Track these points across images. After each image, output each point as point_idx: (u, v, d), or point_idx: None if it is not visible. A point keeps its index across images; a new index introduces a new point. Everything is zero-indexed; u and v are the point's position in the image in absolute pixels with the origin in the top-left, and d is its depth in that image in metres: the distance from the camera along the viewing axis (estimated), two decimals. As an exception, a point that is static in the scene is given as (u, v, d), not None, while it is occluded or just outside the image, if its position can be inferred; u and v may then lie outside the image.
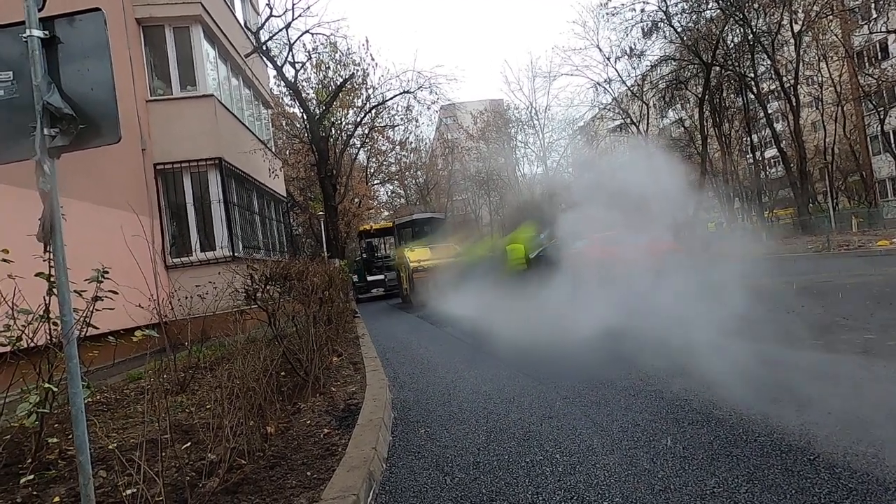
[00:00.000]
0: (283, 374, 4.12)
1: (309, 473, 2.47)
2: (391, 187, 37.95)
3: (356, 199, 28.51)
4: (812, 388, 3.12)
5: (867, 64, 29.08)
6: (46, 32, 2.22)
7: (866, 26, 27.49)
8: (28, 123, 2.22)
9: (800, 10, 22.99)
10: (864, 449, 2.25)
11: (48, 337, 2.87)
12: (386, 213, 37.41)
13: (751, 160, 33.12)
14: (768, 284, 8.91)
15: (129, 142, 8.50)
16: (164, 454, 2.49)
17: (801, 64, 24.30)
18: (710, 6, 22.28)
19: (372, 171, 31.88)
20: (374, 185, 33.68)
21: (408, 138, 27.11)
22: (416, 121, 18.55)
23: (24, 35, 2.18)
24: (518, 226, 12.05)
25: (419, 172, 36.28)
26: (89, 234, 6.25)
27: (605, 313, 6.61)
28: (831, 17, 23.86)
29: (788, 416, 2.72)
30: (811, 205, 25.97)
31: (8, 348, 2.75)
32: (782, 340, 4.49)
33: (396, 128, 20.65)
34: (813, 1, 22.45)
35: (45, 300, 2.78)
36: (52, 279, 2.68)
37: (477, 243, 14.72)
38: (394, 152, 29.33)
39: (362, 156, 27.75)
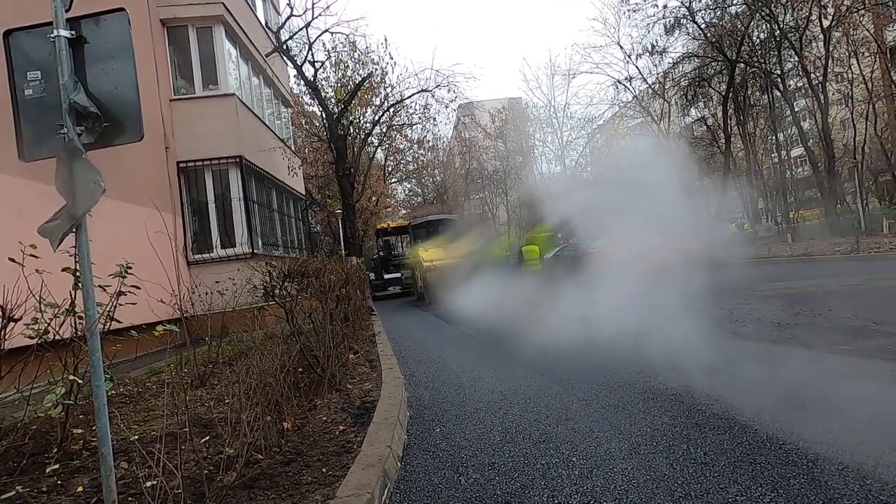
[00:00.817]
0: (299, 370, 4.16)
1: (324, 470, 2.49)
2: (408, 185, 38.03)
3: (373, 198, 28.64)
4: (840, 395, 3.02)
5: (901, 60, 27.99)
6: (73, 32, 2.27)
7: (900, 21, 26.50)
8: (55, 122, 2.27)
9: (829, 5, 22.28)
10: (897, 460, 2.17)
11: (74, 330, 2.94)
12: (403, 212, 37.51)
13: (776, 159, 32.28)
14: (794, 286, 8.67)
15: (153, 140, 8.68)
16: (183, 447, 2.52)
17: (830, 60, 23.55)
18: (735, 2, 21.75)
19: (389, 169, 31.98)
20: (391, 183, 33.80)
21: (425, 136, 27.10)
22: (434, 119, 18.49)
23: (51, 35, 2.23)
24: (533, 227, 12.19)
25: (436, 171, 36.28)
26: (113, 230, 6.40)
27: (623, 314, 6.51)
28: (863, 11, 23.06)
29: (815, 423, 2.63)
30: (839, 205, 25.18)
31: (35, 341, 2.82)
32: (809, 344, 4.36)
33: (414, 126, 20.64)
34: (844, -5, 21.75)
35: (71, 294, 2.85)
36: (77, 274, 2.74)
37: (492, 242, 14.74)
38: (411, 150, 29.35)
39: (380, 154, 27.85)
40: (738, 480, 2.14)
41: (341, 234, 19.67)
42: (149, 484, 2.14)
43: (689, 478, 2.21)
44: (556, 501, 2.14)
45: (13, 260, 2.67)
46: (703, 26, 22.04)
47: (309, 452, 2.74)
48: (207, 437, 2.98)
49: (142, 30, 8.49)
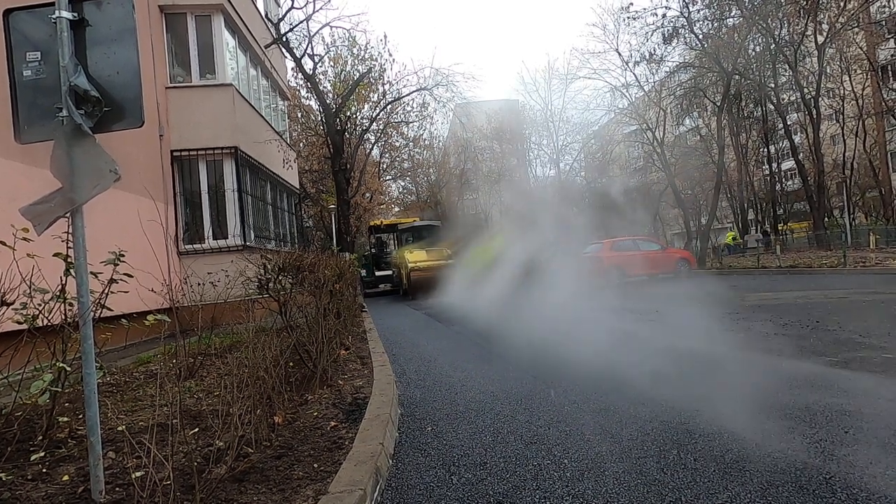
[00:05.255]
0: (291, 364, 4.13)
1: (316, 465, 2.47)
2: (403, 183, 37.97)
3: (367, 194, 28.53)
4: (828, 405, 3.07)
5: (892, 78, 28.56)
6: (75, 14, 2.24)
7: (893, 40, 26.99)
8: (53, 104, 2.23)
9: (824, 21, 22.60)
10: (883, 470, 2.20)
11: (63, 317, 2.89)
12: (397, 209, 37.43)
13: (767, 171, 32.69)
14: (782, 297, 8.79)
15: (148, 127, 8.56)
16: (172, 438, 2.50)
17: (823, 76, 23.89)
18: (732, 14, 21.95)
19: (385, 166, 31.90)
20: (386, 180, 33.72)
21: (421, 135, 27.07)
22: (431, 118, 18.55)
23: (53, 16, 2.19)
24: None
25: (431, 170, 36.25)
26: (104, 217, 6.30)
27: (613, 318, 6.56)
28: (857, 29, 23.44)
29: (803, 432, 2.67)
30: (827, 219, 25.56)
31: (24, 326, 2.77)
32: (797, 355, 4.42)
33: (411, 124, 20.61)
34: (839, 13, 22.09)
35: (61, 280, 2.81)
36: (69, 260, 2.70)
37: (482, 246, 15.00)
38: (407, 148, 29.29)
39: (376, 151, 27.77)
40: (727, 487, 2.16)
41: (334, 230, 19.58)
42: (138, 474, 2.11)
43: (680, 482, 2.23)
44: (547, 503, 2.15)
45: (4, 243, 2.63)
46: (700, 37, 22.22)
47: (300, 447, 2.72)
48: (196, 429, 2.95)
49: (140, 15, 8.38)
